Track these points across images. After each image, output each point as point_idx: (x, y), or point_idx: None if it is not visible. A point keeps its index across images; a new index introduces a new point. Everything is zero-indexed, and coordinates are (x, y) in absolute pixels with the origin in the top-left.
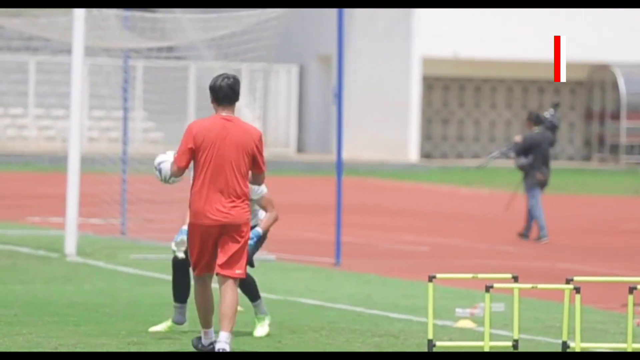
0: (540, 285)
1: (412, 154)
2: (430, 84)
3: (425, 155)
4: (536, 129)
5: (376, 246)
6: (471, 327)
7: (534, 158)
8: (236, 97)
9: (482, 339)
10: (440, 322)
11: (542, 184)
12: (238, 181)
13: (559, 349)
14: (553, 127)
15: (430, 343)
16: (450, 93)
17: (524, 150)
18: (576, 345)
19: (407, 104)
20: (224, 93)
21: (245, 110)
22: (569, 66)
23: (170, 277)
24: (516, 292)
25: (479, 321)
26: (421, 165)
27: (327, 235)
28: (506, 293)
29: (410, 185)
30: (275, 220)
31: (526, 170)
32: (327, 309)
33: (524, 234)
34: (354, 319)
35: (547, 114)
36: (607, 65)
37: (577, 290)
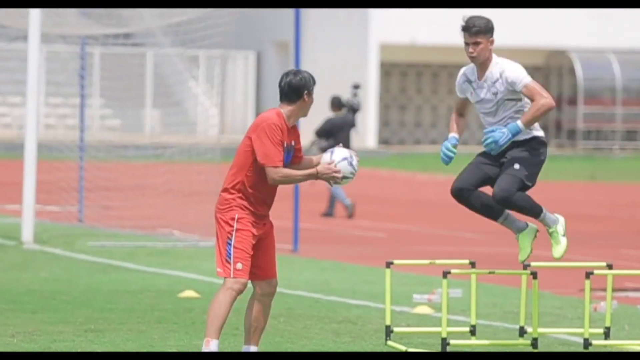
0: (497, 271)
1: (370, 141)
2: (387, 70)
3: (383, 141)
4: (340, 113)
5: (334, 232)
6: (429, 313)
7: (335, 141)
8: (293, 96)
9: (440, 325)
10: (398, 308)
11: None
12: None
13: (516, 335)
14: (354, 110)
15: (388, 329)
16: (408, 79)
17: (326, 133)
18: (534, 331)
19: (364, 90)
20: (281, 89)
21: (202, 97)
22: (526, 52)
23: (129, 265)
24: (473, 278)
25: (437, 307)
26: (379, 151)
27: (285, 222)
28: (464, 279)
29: (367, 171)
30: (546, 109)
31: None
32: (285, 296)
33: (328, 213)
34: (312, 305)
35: (348, 96)
36: (564, 51)
37: (534, 275)
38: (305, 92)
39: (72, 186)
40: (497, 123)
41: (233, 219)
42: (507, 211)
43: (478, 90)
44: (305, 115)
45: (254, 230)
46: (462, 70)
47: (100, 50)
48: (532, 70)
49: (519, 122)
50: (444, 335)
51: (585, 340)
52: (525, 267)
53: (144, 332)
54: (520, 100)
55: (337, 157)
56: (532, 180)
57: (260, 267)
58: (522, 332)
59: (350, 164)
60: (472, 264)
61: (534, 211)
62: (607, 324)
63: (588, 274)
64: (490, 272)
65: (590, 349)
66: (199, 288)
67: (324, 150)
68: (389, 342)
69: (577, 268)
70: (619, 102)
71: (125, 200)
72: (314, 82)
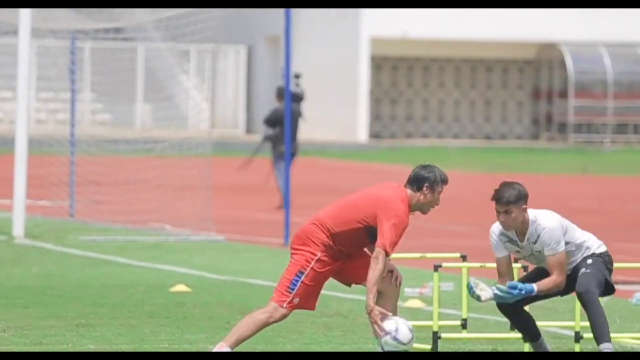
0: (488, 264)
1: (361, 134)
2: (378, 63)
3: (374, 135)
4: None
5: None
6: (420, 307)
7: (281, 130)
8: (414, 184)
9: (431, 319)
10: None
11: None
12: None
13: (507, 328)
14: (298, 99)
15: None
16: (399, 73)
17: (272, 122)
18: None
19: (355, 84)
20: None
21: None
22: (517, 45)
23: (120, 259)
24: (465, 271)
25: (428, 300)
26: (370, 145)
27: (276, 216)
28: (455, 272)
29: (359, 165)
30: (557, 288)
31: (273, 142)
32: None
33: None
34: None
35: (292, 86)
36: (554, 44)
37: (525, 268)
38: (426, 184)
39: (63, 181)
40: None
41: (314, 255)
42: (542, 337)
43: (523, 250)
44: (423, 210)
45: (329, 267)
46: (496, 231)
47: (90, 44)
48: (522, 64)
49: (535, 286)
50: (435, 328)
51: (577, 333)
52: (516, 260)
53: (135, 326)
54: (567, 243)
55: (391, 327)
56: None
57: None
58: (513, 326)
59: (395, 339)
60: (464, 258)
61: (600, 331)
62: None
63: None
64: (481, 266)
65: (582, 342)
66: (190, 282)
67: (270, 138)
68: None
69: None
70: (610, 95)
71: (117, 195)
72: (443, 181)
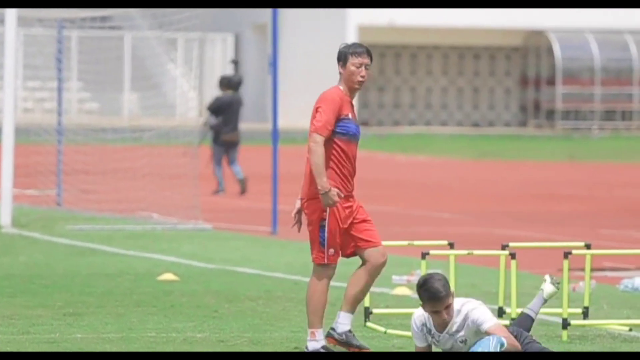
0: (476, 252)
1: None
2: None
3: (362, 122)
4: (229, 92)
5: None
6: (408, 294)
7: (224, 119)
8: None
9: (419, 306)
10: (377, 290)
11: (232, 144)
12: None
13: (495, 315)
14: (238, 85)
15: (367, 310)
16: (386, 60)
17: (215, 111)
18: (512, 311)
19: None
20: None
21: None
22: (505, 32)
23: (107, 248)
24: (452, 259)
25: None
26: None
27: (264, 204)
28: (442, 260)
29: None
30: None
31: (216, 131)
32: (264, 278)
33: (242, 191)
34: (291, 287)
35: (230, 71)
36: (542, 31)
37: (513, 256)
38: (340, 61)
39: (51, 170)
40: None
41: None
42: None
43: (442, 341)
44: (352, 87)
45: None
46: (417, 320)
47: (77, 33)
48: (510, 51)
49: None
50: None
51: (564, 320)
52: (503, 247)
53: (123, 315)
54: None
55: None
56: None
57: (366, 241)
58: (500, 312)
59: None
60: (451, 245)
61: None
62: (586, 303)
63: (566, 254)
64: (468, 253)
65: (569, 329)
66: (178, 271)
67: (213, 127)
68: (368, 324)
69: (555, 248)
70: (598, 82)
71: (104, 184)
72: (352, 53)
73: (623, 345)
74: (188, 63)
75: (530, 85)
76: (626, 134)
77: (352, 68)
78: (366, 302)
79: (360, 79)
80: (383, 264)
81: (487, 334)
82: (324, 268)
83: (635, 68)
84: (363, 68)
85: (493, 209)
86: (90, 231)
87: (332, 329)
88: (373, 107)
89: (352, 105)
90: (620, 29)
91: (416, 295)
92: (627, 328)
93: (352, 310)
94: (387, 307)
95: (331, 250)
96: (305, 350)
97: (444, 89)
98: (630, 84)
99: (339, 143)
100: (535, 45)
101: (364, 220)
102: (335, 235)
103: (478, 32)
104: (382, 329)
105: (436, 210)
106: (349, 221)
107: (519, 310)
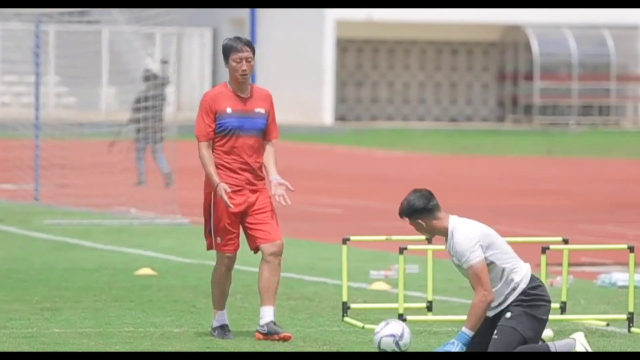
0: None
1: (327, 117)
2: (343, 46)
3: (340, 117)
4: (146, 86)
5: (290, 209)
6: (386, 289)
7: (148, 113)
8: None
9: (397, 301)
10: (354, 285)
11: (153, 139)
12: None
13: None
14: (164, 83)
15: (345, 305)
16: (364, 55)
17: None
18: None
19: (320, 66)
20: None
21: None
22: (482, 27)
23: (85, 243)
24: (430, 254)
25: (394, 283)
26: (335, 127)
27: None
28: (420, 255)
29: (324, 147)
30: (484, 307)
31: (138, 125)
32: (241, 272)
33: (168, 184)
34: None
35: (159, 70)
36: (519, 27)
37: None
38: (225, 58)
39: (28, 164)
40: (496, 290)
41: (209, 192)
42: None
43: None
44: (237, 81)
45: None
46: None
47: (55, 27)
48: (487, 46)
49: (465, 329)
50: (400, 311)
51: None
52: None
53: (101, 310)
54: (492, 262)
55: (386, 331)
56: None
57: (261, 231)
58: None
59: (397, 344)
60: (429, 240)
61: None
62: (564, 298)
63: (544, 249)
64: (446, 248)
65: (547, 324)
66: (156, 266)
67: (135, 121)
68: (346, 319)
69: (533, 243)
70: (575, 77)
71: (82, 178)
72: (232, 49)
73: (600, 340)
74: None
75: (508, 80)
76: (604, 128)
77: (233, 64)
78: (344, 297)
79: (242, 72)
80: (275, 254)
81: (468, 273)
82: (219, 256)
83: (612, 63)
84: (243, 62)
85: (471, 204)
86: (67, 226)
87: (259, 324)
88: (350, 102)
89: (238, 97)
90: (597, 24)
91: (394, 291)
92: (604, 323)
93: (267, 303)
94: (364, 302)
95: (218, 239)
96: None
97: (421, 84)
98: (607, 79)
99: (221, 140)
100: (512, 40)
101: (261, 213)
102: (222, 224)
103: (456, 27)
104: (360, 324)
105: None
106: (238, 213)
107: None
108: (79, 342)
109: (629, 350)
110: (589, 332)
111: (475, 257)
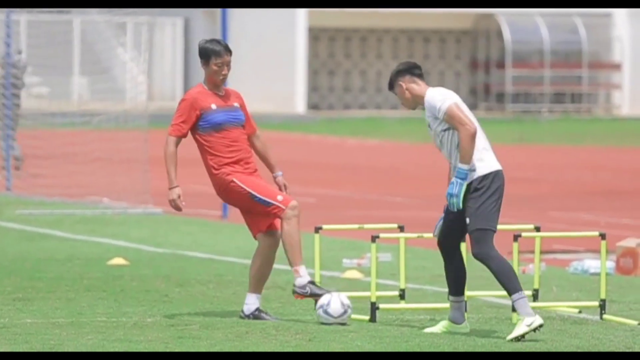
0: (426, 235)
1: (299, 106)
2: (316, 35)
3: (312, 106)
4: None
5: None
6: (358, 278)
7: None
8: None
9: (369, 289)
10: (327, 273)
11: (11, 125)
12: None
13: (445, 298)
14: (22, 70)
15: None
16: (336, 44)
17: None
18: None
19: (293, 55)
20: None
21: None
22: (454, 15)
23: (57, 233)
24: (402, 242)
25: (366, 271)
26: (308, 116)
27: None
28: (393, 243)
29: (297, 136)
30: (470, 140)
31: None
32: (215, 262)
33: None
34: (242, 271)
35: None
36: (491, 14)
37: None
38: (202, 59)
39: None
40: (449, 157)
41: (233, 182)
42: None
43: (428, 127)
44: (216, 83)
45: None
46: None
47: (26, 17)
48: (459, 34)
49: (461, 165)
50: (373, 299)
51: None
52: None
53: (73, 300)
54: (450, 128)
55: (317, 305)
56: (487, 223)
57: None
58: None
59: (326, 312)
60: (401, 228)
61: (508, 287)
62: (536, 286)
63: (516, 237)
64: (419, 236)
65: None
66: (128, 255)
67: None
68: None
69: (505, 231)
70: (547, 65)
71: (54, 168)
72: (213, 52)
73: (572, 328)
74: (137, 47)
75: (480, 68)
76: (576, 116)
77: (215, 68)
78: None
79: (222, 77)
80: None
81: (445, 120)
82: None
83: (584, 51)
84: (224, 67)
85: (444, 193)
86: (40, 216)
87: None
88: (323, 91)
89: (219, 96)
90: (569, 12)
91: (367, 279)
92: (576, 310)
93: (255, 291)
94: (337, 290)
95: (279, 197)
96: (294, 289)
97: None
98: (579, 66)
99: (218, 137)
100: (485, 28)
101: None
102: (266, 187)
103: (428, 15)
104: None
105: (387, 194)
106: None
107: (469, 293)
108: (51, 333)
109: (600, 337)
110: (562, 320)
111: (448, 102)
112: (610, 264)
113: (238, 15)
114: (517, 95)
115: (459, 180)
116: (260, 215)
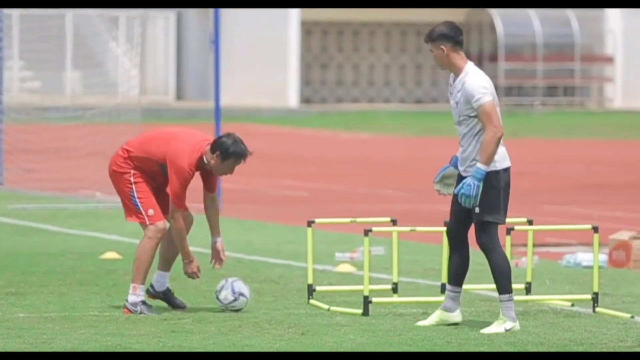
0: (418, 228)
1: (292, 99)
2: (308, 28)
3: (305, 100)
4: None
5: (256, 192)
6: (351, 271)
7: None
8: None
9: (362, 283)
10: (320, 267)
11: None
12: None
13: (438, 291)
14: None
15: (310, 288)
16: (329, 37)
17: None
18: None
19: (285, 49)
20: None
21: (123, 58)
22: (447, 9)
23: (50, 227)
24: (395, 235)
25: (359, 265)
26: (301, 110)
27: None
28: (385, 237)
29: (290, 130)
30: (497, 141)
31: None
32: (206, 256)
33: None
34: (235, 265)
35: None
36: (484, 8)
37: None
38: (218, 152)
39: None
40: (462, 137)
41: (130, 176)
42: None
43: (452, 96)
44: (213, 172)
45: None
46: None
47: (18, 11)
48: None
49: (480, 165)
50: (366, 293)
51: None
52: (446, 223)
53: (66, 294)
54: (475, 117)
55: (217, 286)
56: (494, 216)
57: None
58: (443, 288)
59: (217, 298)
60: (394, 222)
61: (500, 285)
62: (529, 279)
63: (509, 230)
64: (411, 230)
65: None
66: (121, 249)
67: None
68: (312, 301)
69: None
70: (540, 58)
71: (47, 163)
72: (236, 156)
73: (565, 321)
74: (130, 41)
75: (473, 61)
76: (568, 109)
77: (227, 167)
78: (309, 279)
79: (227, 175)
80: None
81: (477, 111)
82: (154, 228)
83: (577, 44)
84: (234, 169)
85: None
86: (32, 210)
87: (151, 285)
88: (316, 84)
89: (209, 170)
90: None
91: (360, 273)
92: (569, 303)
93: (166, 269)
94: (330, 284)
95: (150, 211)
96: (125, 304)
97: (386, 65)
98: (572, 59)
99: (161, 169)
100: (477, 21)
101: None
102: (150, 199)
103: (420, 8)
104: (326, 306)
105: (380, 188)
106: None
107: (463, 287)
108: (44, 327)
109: (593, 330)
110: (554, 313)
111: (487, 97)
112: (602, 257)
113: (230, 9)
114: (510, 89)
115: (476, 183)
116: (132, 212)
